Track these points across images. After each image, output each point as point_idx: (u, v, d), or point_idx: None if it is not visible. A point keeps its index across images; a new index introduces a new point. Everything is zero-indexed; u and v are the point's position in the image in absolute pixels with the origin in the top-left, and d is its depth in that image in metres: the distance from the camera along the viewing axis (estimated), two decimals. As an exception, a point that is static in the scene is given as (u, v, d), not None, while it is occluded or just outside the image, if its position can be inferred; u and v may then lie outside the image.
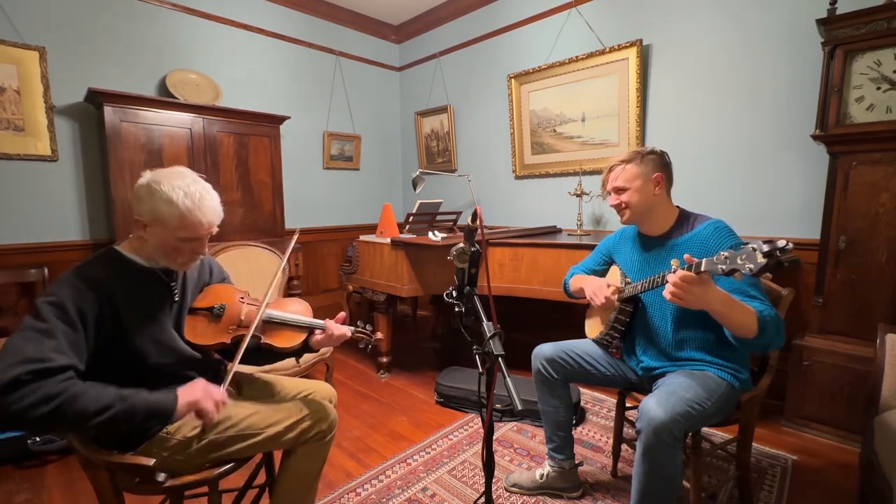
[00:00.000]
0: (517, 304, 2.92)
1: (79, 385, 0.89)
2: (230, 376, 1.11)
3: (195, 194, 1.06)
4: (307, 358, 2.22)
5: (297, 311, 1.31)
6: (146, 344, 1.07)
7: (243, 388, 1.38)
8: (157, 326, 1.10)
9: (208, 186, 1.11)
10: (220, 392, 1.07)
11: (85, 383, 0.90)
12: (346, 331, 1.30)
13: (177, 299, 1.17)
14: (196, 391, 1.04)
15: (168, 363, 1.11)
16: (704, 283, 1.13)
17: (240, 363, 1.15)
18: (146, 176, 1.07)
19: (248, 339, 1.15)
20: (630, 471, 1.78)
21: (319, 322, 1.27)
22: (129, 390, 0.96)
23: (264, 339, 1.22)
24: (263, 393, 1.35)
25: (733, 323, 1.19)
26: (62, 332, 0.91)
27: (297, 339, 1.25)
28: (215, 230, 1.13)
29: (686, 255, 1.16)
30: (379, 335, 1.39)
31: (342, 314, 1.34)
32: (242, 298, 1.27)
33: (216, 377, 1.25)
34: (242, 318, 1.22)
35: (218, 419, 1.10)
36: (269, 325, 1.24)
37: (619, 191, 1.45)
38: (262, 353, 1.24)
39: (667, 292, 1.17)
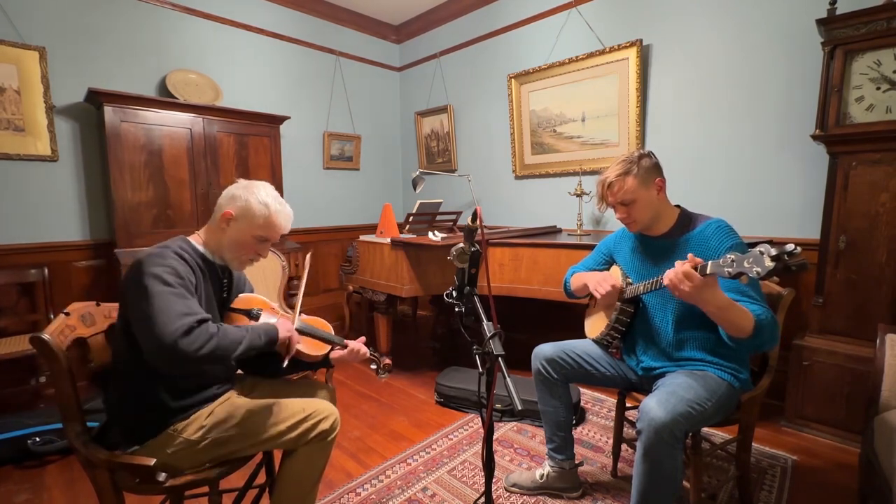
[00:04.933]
0: (517, 304, 2.92)
1: (220, 327, 1.07)
2: (299, 309, 1.32)
3: (282, 202, 1.28)
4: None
5: (322, 326, 1.44)
6: None
7: (246, 390, 1.38)
8: (211, 314, 1.19)
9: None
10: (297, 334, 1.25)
11: (221, 326, 1.08)
12: (366, 351, 1.43)
13: (225, 295, 1.32)
14: (288, 324, 1.23)
15: None
16: (707, 287, 1.13)
17: (262, 374, 1.37)
18: (242, 182, 1.27)
19: (296, 318, 1.31)
20: (630, 471, 1.78)
21: (342, 339, 1.39)
22: (245, 326, 1.14)
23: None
24: (266, 394, 1.35)
25: (727, 323, 1.19)
26: (188, 294, 1.08)
27: (322, 350, 1.36)
28: (279, 240, 1.33)
29: (689, 255, 1.15)
30: (387, 361, 1.52)
31: (363, 338, 1.46)
32: (274, 309, 1.38)
33: (228, 381, 1.32)
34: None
35: (221, 418, 1.14)
36: (301, 334, 1.33)
37: (625, 203, 1.41)
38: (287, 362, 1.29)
39: (665, 277, 1.17)
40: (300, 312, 1.37)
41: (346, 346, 1.38)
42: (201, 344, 1.00)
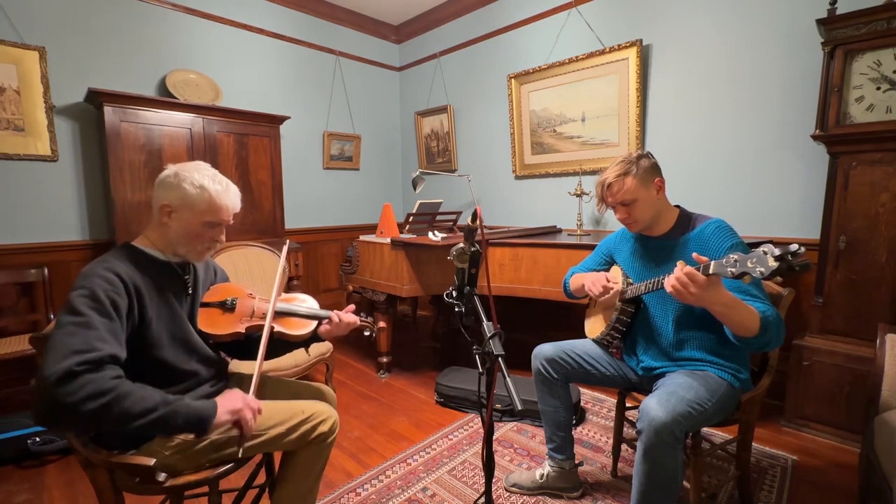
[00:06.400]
0: (517, 304, 2.92)
1: (127, 385, 0.90)
2: (256, 381, 1.13)
3: (222, 181, 1.16)
4: (309, 357, 2.22)
5: (304, 302, 1.37)
6: (162, 336, 1.10)
7: (245, 389, 1.38)
8: (174, 319, 1.15)
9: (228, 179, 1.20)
10: (255, 401, 1.09)
11: (132, 383, 0.92)
12: (354, 319, 1.34)
13: (190, 292, 1.22)
14: (236, 400, 1.05)
15: (177, 356, 1.14)
16: (711, 287, 1.11)
17: (252, 357, 1.22)
18: (172, 168, 1.13)
19: (267, 328, 1.19)
20: (630, 471, 1.78)
21: (326, 312, 1.32)
22: (172, 396, 0.97)
23: (277, 328, 1.26)
24: (266, 394, 1.35)
25: (734, 322, 1.18)
26: (100, 322, 0.93)
27: (308, 327, 1.30)
28: (232, 220, 1.20)
29: (695, 255, 1.14)
30: (382, 324, 1.43)
31: (352, 306, 1.38)
32: (251, 294, 1.33)
33: (220, 377, 1.28)
34: (254, 310, 1.28)
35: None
36: (281, 315, 1.29)
37: (625, 204, 1.41)
38: (274, 344, 1.27)
39: (668, 284, 1.15)
40: (276, 296, 1.30)
41: (333, 319, 1.30)
42: (84, 397, 0.83)
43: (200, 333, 1.22)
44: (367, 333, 1.41)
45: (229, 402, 1.04)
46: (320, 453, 1.22)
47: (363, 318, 1.40)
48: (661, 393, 1.24)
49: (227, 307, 1.26)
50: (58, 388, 0.82)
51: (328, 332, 1.32)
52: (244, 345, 1.31)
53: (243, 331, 1.24)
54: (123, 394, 0.88)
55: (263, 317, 1.25)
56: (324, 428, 1.20)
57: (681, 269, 1.12)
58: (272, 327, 1.24)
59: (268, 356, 1.31)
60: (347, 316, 1.32)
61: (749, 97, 2.42)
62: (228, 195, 1.16)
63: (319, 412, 1.21)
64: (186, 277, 1.22)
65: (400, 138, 4.67)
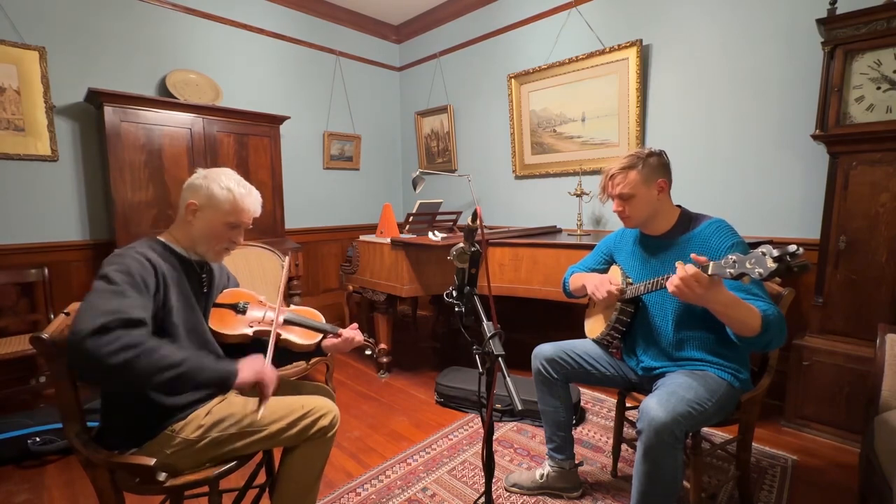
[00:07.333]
0: (517, 304, 2.92)
1: (155, 340, 0.96)
2: (272, 351, 1.18)
3: (246, 185, 1.23)
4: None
5: (312, 316, 1.42)
6: (179, 327, 1.13)
7: (246, 389, 1.38)
8: (191, 313, 1.18)
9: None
10: (273, 371, 1.14)
11: (160, 339, 0.98)
12: (360, 338, 1.39)
13: (205, 290, 1.27)
14: (257, 363, 1.11)
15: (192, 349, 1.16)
16: (714, 286, 1.11)
17: None
18: (201, 171, 1.22)
19: (275, 328, 1.24)
20: (630, 471, 1.78)
21: (333, 327, 1.36)
22: (199, 353, 1.04)
23: (284, 335, 1.29)
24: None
25: (735, 321, 1.17)
26: (133, 293, 0.99)
27: (313, 339, 1.33)
28: (251, 224, 1.26)
29: (693, 255, 1.14)
30: (382, 345, 1.47)
31: (355, 324, 1.42)
32: (262, 302, 1.37)
33: None
34: (263, 317, 1.32)
35: (220, 417, 1.13)
36: (289, 324, 1.33)
37: (622, 197, 1.42)
38: (278, 353, 1.28)
39: (670, 284, 1.14)
40: (287, 304, 1.35)
41: (339, 335, 1.35)
42: (115, 349, 0.87)
43: (210, 332, 1.25)
44: (368, 352, 1.47)
45: (251, 364, 1.10)
46: (321, 449, 1.22)
47: (366, 338, 1.45)
48: (661, 393, 1.24)
49: (238, 310, 1.30)
50: (91, 340, 0.86)
51: (332, 346, 1.36)
52: (249, 350, 1.32)
53: (251, 333, 1.26)
54: (152, 348, 0.93)
55: (272, 323, 1.29)
56: (324, 422, 1.20)
57: (684, 270, 1.12)
58: (279, 334, 1.26)
59: (272, 365, 1.34)
60: (356, 334, 1.38)
61: (749, 97, 2.42)
62: (251, 199, 1.23)
63: (319, 406, 1.22)
64: (204, 276, 1.27)
65: (400, 138, 4.67)
